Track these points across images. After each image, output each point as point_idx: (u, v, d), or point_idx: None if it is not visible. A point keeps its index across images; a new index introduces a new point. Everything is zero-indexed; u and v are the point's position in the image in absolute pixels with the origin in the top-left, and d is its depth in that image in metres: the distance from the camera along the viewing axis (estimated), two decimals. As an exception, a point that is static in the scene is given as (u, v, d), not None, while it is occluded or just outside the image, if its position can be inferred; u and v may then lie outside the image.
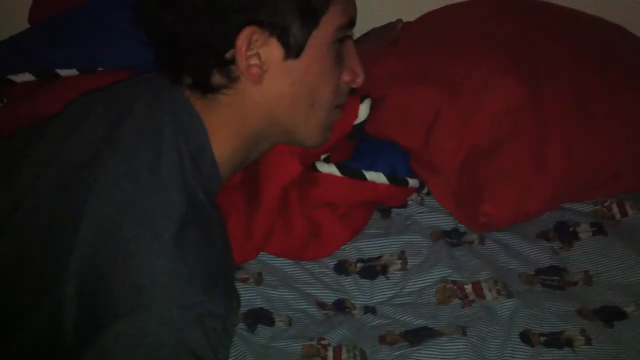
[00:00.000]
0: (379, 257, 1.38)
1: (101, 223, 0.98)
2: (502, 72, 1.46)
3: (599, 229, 1.41)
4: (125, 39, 1.48)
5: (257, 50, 1.03)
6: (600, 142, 1.42)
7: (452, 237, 1.41)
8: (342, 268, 1.37)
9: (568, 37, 1.55)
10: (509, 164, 1.39)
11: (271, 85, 1.06)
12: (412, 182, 1.44)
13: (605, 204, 1.45)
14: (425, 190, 1.47)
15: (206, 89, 1.06)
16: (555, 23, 1.60)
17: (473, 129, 1.43)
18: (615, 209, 1.45)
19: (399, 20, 1.61)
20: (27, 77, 1.49)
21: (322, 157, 1.40)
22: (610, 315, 1.27)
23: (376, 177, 1.41)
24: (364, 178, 1.40)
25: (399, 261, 1.37)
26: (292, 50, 1.04)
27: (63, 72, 1.47)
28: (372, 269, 1.36)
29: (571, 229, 1.41)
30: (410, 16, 1.66)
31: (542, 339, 1.23)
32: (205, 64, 1.05)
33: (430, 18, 1.66)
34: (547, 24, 1.59)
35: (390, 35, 1.58)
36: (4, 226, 1.05)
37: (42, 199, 1.05)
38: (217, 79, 1.05)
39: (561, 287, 1.33)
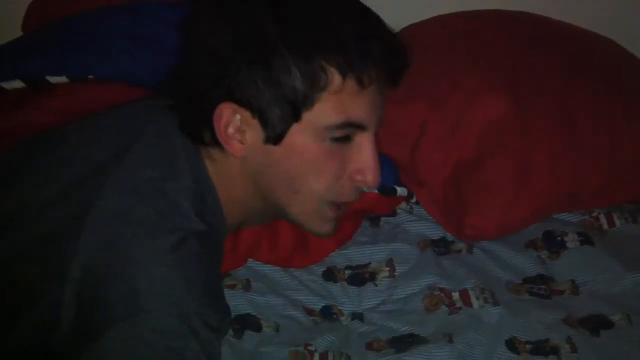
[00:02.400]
0: (368, 265, 1.38)
1: (103, 232, 0.98)
2: (487, 86, 1.47)
3: (586, 239, 1.41)
4: (117, 49, 1.49)
5: (242, 127, 1.03)
6: (585, 157, 1.43)
7: (440, 246, 1.41)
8: (330, 275, 1.36)
9: (555, 51, 1.56)
10: (494, 178, 1.40)
11: (253, 161, 1.06)
12: (401, 191, 1.44)
13: (593, 215, 1.46)
14: (414, 200, 1.47)
15: (195, 140, 1.06)
16: (542, 37, 1.61)
17: (458, 143, 1.44)
18: (603, 220, 1.46)
19: None
20: (17, 84, 1.49)
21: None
22: (596, 324, 1.27)
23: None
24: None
25: (387, 269, 1.37)
26: (271, 138, 1.03)
27: (53, 80, 1.47)
28: (361, 277, 1.36)
29: (559, 238, 1.42)
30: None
31: (529, 347, 1.23)
32: (195, 120, 1.06)
33: (415, 30, 1.66)
34: (534, 37, 1.60)
35: None
36: (5, 227, 1.05)
37: (45, 205, 1.05)
38: (207, 135, 1.05)
39: (548, 296, 1.33)
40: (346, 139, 1.06)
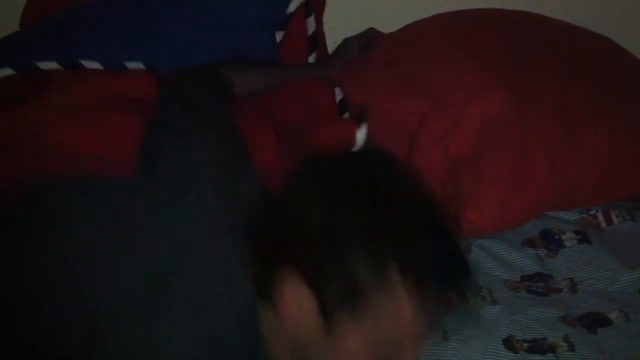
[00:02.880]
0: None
1: None
2: (487, 84, 1.47)
3: (583, 237, 1.41)
4: (115, 47, 1.48)
5: (299, 298, 1.00)
6: (583, 156, 1.43)
7: None
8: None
9: (554, 50, 1.57)
10: (493, 173, 1.40)
11: (299, 332, 1.02)
12: None
13: (591, 213, 1.46)
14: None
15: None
16: (541, 35, 1.61)
17: (457, 139, 1.44)
18: (601, 218, 1.46)
19: (373, 30, 1.63)
20: (7, 71, 1.47)
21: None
22: (594, 322, 1.27)
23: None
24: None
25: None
26: (324, 324, 1.00)
27: (44, 65, 1.45)
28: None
29: (556, 236, 1.42)
30: (399, 22, 1.68)
31: (526, 345, 1.23)
32: (258, 270, 1.04)
33: (416, 27, 1.66)
34: (534, 36, 1.60)
35: (368, 45, 1.60)
36: None
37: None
38: (266, 287, 1.03)
39: (546, 293, 1.33)
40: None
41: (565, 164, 1.41)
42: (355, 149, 1.40)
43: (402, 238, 1.00)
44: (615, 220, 1.45)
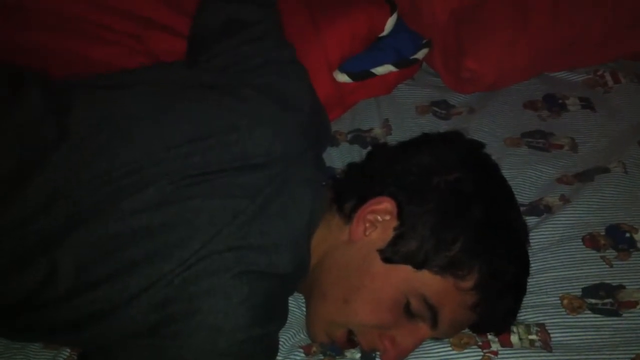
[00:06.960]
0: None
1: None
2: None
3: (587, 104, 1.39)
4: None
5: (379, 224, 1.03)
6: (586, 6, 1.41)
7: (442, 108, 1.42)
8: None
9: None
10: (493, 20, 1.40)
11: (353, 251, 1.05)
12: (421, 54, 1.45)
13: (598, 73, 1.44)
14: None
15: (336, 201, 1.08)
16: None
17: None
18: (609, 77, 1.43)
19: None
20: None
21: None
22: (592, 172, 1.25)
23: (384, 69, 1.43)
24: (373, 75, 1.43)
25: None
26: (386, 254, 1.02)
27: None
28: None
29: (560, 101, 1.40)
30: None
31: (522, 209, 1.16)
32: (355, 189, 1.07)
33: None
34: None
35: None
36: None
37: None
38: (348, 206, 1.06)
39: (547, 149, 1.32)
40: (415, 315, 1.03)
41: (567, 11, 1.40)
42: (381, 34, 1.42)
43: (497, 254, 1.00)
44: (622, 80, 1.43)
